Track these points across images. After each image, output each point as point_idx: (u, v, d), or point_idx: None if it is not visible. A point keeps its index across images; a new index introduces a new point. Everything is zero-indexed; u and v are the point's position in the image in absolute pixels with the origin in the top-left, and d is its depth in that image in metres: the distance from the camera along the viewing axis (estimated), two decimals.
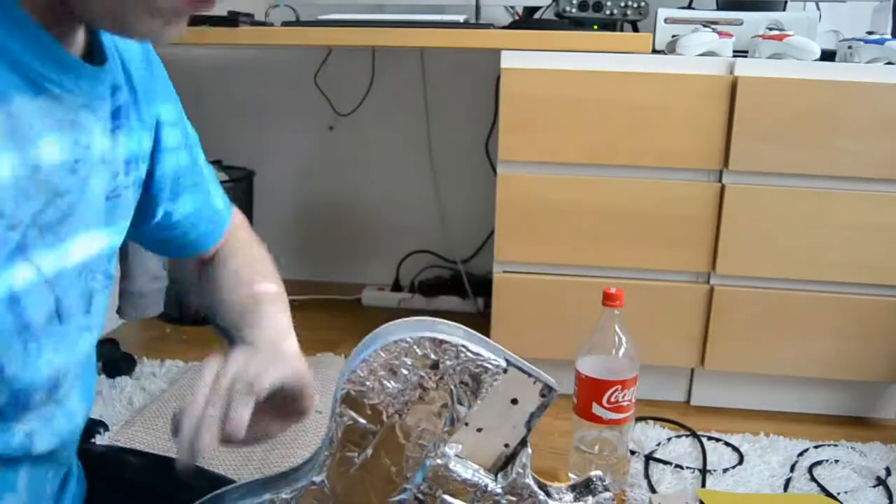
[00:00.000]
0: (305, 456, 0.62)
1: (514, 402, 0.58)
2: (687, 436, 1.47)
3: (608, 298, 1.23)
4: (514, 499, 0.60)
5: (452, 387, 0.57)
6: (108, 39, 0.58)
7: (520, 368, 0.57)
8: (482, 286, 2.05)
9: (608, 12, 1.54)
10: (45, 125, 0.49)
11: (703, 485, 1.31)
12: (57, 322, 0.53)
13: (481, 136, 2.05)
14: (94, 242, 0.57)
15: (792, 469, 1.36)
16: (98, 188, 0.57)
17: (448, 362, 0.56)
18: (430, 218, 2.19)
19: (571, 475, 1.29)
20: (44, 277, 0.51)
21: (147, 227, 0.71)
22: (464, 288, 2.11)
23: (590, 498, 0.62)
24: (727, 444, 1.44)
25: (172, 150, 0.69)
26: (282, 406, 0.60)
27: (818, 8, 1.74)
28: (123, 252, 1.45)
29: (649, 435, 1.46)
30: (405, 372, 0.56)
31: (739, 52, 1.49)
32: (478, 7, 1.70)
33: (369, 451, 0.57)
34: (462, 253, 2.15)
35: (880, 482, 1.32)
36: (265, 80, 2.15)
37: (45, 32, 0.47)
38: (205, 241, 0.77)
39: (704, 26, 1.50)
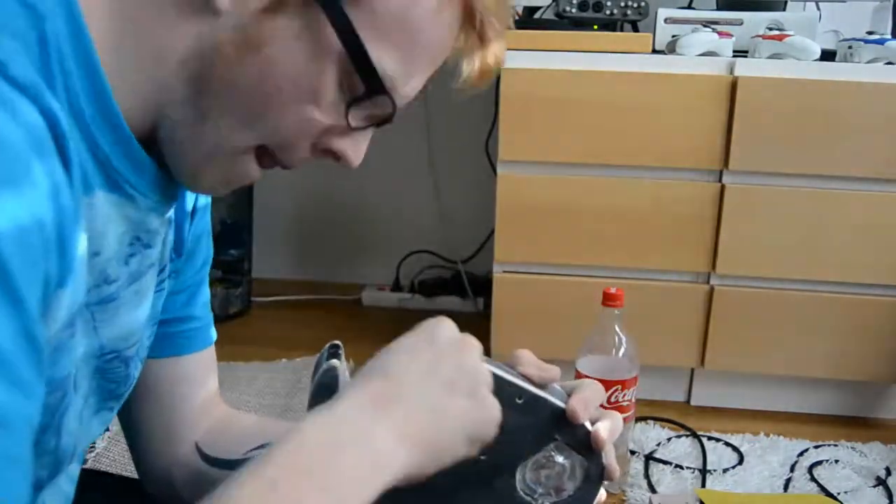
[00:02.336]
0: None
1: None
2: (687, 436, 1.47)
3: (608, 298, 1.23)
4: None
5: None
6: None
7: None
8: (482, 286, 2.05)
9: (608, 12, 1.54)
10: (113, 218, 0.51)
11: (703, 485, 1.31)
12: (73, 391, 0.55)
13: (481, 136, 2.05)
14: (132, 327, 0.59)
15: (792, 469, 1.36)
16: (151, 288, 0.59)
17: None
18: (430, 218, 2.19)
19: None
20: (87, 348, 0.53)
21: None
22: (464, 288, 2.11)
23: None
24: (727, 444, 1.44)
25: (206, 234, 0.71)
26: None
27: (818, 8, 1.74)
28: None
29: (649, 435, 1.46)
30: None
31: (739, 52, 1.49)
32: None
33: None
34: (462, 253, 2.15)
35: (880, 482, 1.32)
36: None
37: (133, 137, 0.50)
38: (191, 340, 0.72)
39: (704, 26, 1.50)
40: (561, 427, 0.58)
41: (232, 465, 0.67)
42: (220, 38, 0.49)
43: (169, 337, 0.69)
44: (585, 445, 0.59)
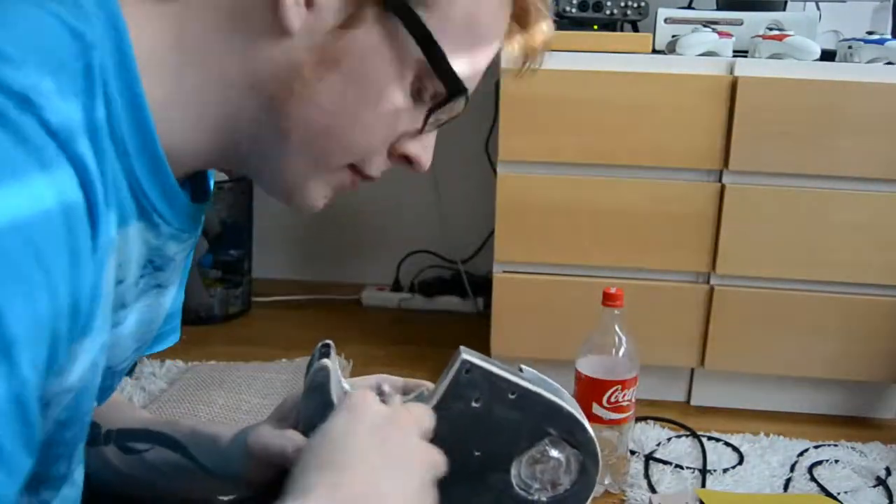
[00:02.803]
0: None
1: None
2: (687, 436, 1.47)
3: (608, 298, 1.23)
4: None
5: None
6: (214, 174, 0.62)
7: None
8: (482, 286, 2.05)
9: (608, 12, 1.54)
10: (137, 245, 0.51)
11: (703, 485, 1.31)
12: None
13: (481, 136, 2.05)
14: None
15: (792, 469, 1.36)
16: (158, 306, 0.59)
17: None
18: (430, 218, 2.19)
19: None
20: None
21: None
22: (464, 288, 2.11)
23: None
24: (727, 444, 1.44)
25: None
26: None
27: (818, 8, 1.74)
28: None
29: (649, 435, 1.46)
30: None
31: (739, 52, 1.49)
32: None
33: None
34: (462, 253, 2.15)
35: (880, 482, 1.32)
36: None
37: (169, 170, 0.50)
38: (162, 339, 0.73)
39: (704, 26, 1.50)
40: (555, 421, 0.58)
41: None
42: (295, 58, 0.48)
43: None
44: (580, 440, 0.59)
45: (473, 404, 0.57)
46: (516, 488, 0.59)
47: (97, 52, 0.43)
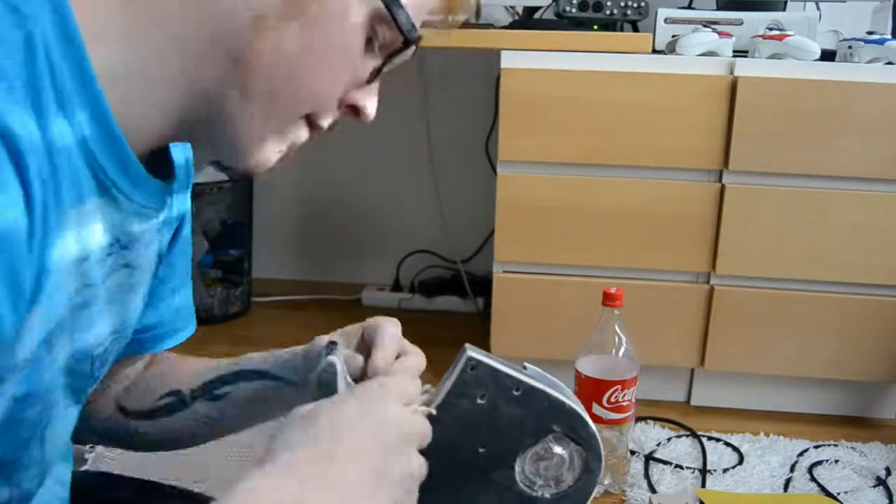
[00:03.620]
0: None
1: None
2: (687, 436, 1.47)
3: (608, 298, 1.23)
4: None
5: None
6: (179, 153, 0.60)
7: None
8: (482, 286, 2.05)
9: (608, 12, 1.54)
10: (98, 221, 0.50)
11: (703, 485, 1.31)
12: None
13: (481, 136, 2.05)
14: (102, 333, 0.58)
15: (792, 469, 1.36)
16: (124, 288, 0.58)
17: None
18: (430, 218, 2.19)
19: None
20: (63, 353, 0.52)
21: None
22: (464, 288, 2.11)
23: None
24: (727, 444, 1.44)
25: (186, 239, 0.71)
26: None
27: (818, 8, 1.74)
28: None
29: (649, 435, 1.46)
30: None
31: (739, 52, 1.49)
32: (478, 7, 1.70)
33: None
34: (462, 253, 2.15)
35: (880, 482, 1.32)
36: None
37: (124, 141, 0.49)
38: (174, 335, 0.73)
39: (704, 26, 1.50)
40: (558, 418, 0.58)
41: (140, 415, 0.69)
42: (259, 7, 0.48)
43: (137, 343, 0.69)
44: (583, 436, 0.59)
45: (478, 401, 0.57)
46: (520, 484, 0.59)
47: (37, 23, 0.42)
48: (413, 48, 0.54)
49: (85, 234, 0.49)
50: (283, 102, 0.52)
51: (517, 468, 0.59)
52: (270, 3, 0.48)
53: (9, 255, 0.40)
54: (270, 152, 0.54)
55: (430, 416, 0.55)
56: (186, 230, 0.70)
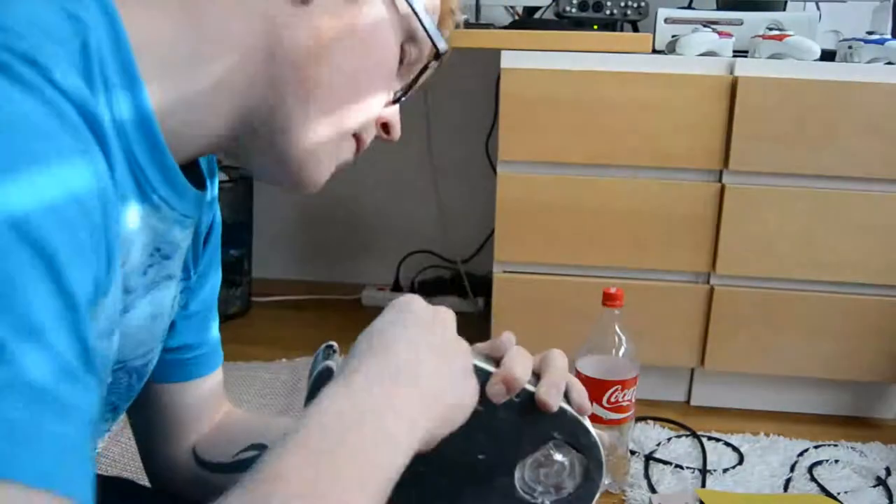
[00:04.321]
0: None
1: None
2: (687, 436, 1.47)
3: (608, 298, 1.23)
4: None
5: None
6: (205, 162, 0.62)
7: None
8: (482, 286, 2.05)
9: (608, 12, 1.54)
10: (140, 229, 0.51)
11: (703, 485, 1.31)
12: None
13: (481, 136, 2.05)
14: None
15: (792, 469, 1.36)
16: (166, 300, 0.59)
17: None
18: (430, 218, 2.19)
19: None
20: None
21: None
22: (464, 288, 2.11)
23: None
24: (727, 444, 1.44)
25: (218, 255, 0.71)
26: None
27: (818, 8, 1.74)
28: None
29: (649, 435, 1.46)
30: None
31: (739, 52, 1.49)
32: (478, 7, 1.70)
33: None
34: (462, 253, 2.15)
35: (880, 482, 1.32)
36: None
37: (167, 149, 0.50)
38: (199, 366, 0.71)
39: (704, 26, 1.50)
40: (559, 425, 0.58)
41: (223, 468, 0.68)
42: (315, 25, 0.50)
43: (180, 364, 0.69)
44: (584, 443, 0.59)
45: (477, 407, 0.57)
46: (520, 491, 0.59)
47: (92, 33, 0.44)
48: (442, 58, 0.58)
49: (125, 238, 0.49)
50: (340, 120, 0.54)
51: (517, 475, 0.58)
52: (324, 23, 0.51)
53: (104, 216, 0.40)
54: (324, 169, 0.57)
55: None
56: (216, 239, 0.70)
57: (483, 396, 0.56)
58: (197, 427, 0.71)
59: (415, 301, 0.56)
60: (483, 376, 0.56)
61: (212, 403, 0.73)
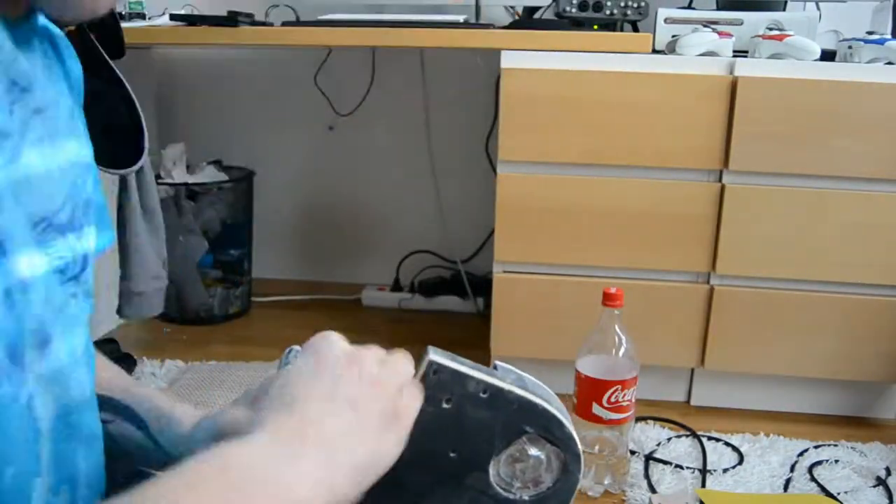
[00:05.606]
0: None
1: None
2: (687, 436, 1.47)
3: (608, 298, 1.23)
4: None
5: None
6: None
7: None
8: (482, 286, 2.05)
9: (608, 12, 1.54)
10: None
11: (703, 485, 1.31)
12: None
13: (481, 136, 2.05)
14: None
15: (792, 469, 1.36)
16: (49, 130, 0.53)
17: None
18: (430, 218, 2.19)
19: None
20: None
21: None
22: (464, 288, 2.11)
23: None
24: (727, 444, 1.44)
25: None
26: None
27: (818, 8, 1.74)
28: (123, 252, 1.45)
29: (649, 435, 1.46)
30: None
31: (739, 52, 1.49)
32: (478, 7, 1.70)
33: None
34: (462, 253, 2.15)
35: (880, 482, 1.32)
36: (265, 80, 2.15)
37: None
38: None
39: (704, 26, 1.50)
40: (530, 418, 0.58)
41: None
42: None
43: None
44: (559, 437, 0.58)
45: (444, 405, 0.56)
46: (496, 487, 0.58)
47: None
48: None
49: None
50: None
51: (492, 471, 0.58)
52: None
53: None
54: None
55: None
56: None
57: (451, 393, 0.56)
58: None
59: (330, 343, 0.53)
60: (472, 383, 0.56)
61: None
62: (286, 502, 0.43)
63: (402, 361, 0.54)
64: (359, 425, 0.49)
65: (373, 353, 0.53)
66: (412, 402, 0.52)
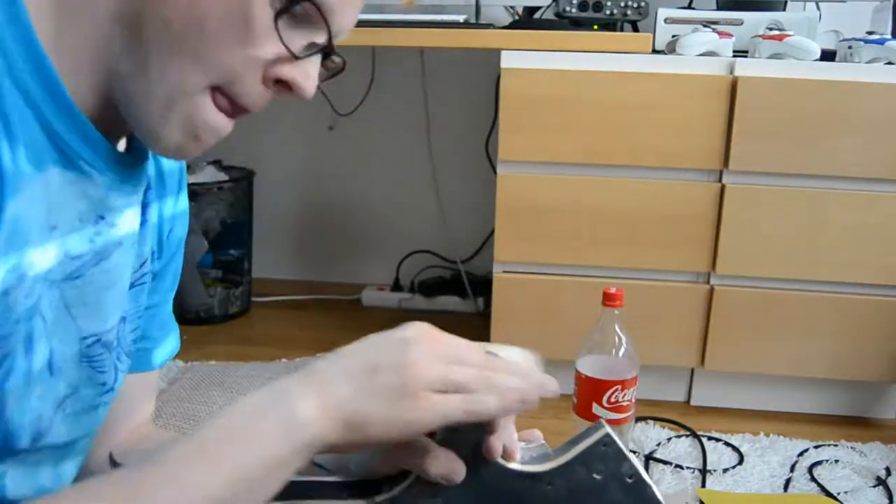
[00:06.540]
0: None
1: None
2: (687, 436, 1.47)
3: (608, 298, 1.23)
4: None
5: None
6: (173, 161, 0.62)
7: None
8: (482, 286, 2.05)
9: (608, 12, 1.54)
10: (71, 195, 0.51)
11: (703, 485, 1.31)
12: (48, 373, 0.53)
13: (481, 136, 2.05)
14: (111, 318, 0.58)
15: (792, 469, 1.36)
16: (122, 269, 0.58)
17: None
18: (430, 218, 2.19)
19: None
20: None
21: None
22: (464, 288, 2.11)
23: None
24: (727, 444, 1.44)
25: (179, 240, 0.70)
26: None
27: (818, 8, 1.74)
28: None
29: (649, 435, 1.46)
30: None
31: (739, 52, 1.49)
32: (478, 7, 1.70)
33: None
34: (462, 253, 2.15)
35: (880, 482, 1.32)
36: None
37: (77, 109, 0.50)
38: (135, 361, 0.69)
39: (704, 26, 1.50)
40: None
41: None
42: None
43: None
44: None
45: (595, 476, 0.59)
46: None
47: None
48: (320, 19, 0.52)
49: (53, 203, 0.49)
50: (178, 73, 0.49)
51: None
52: None
53: None
54: (175, 132, 0.52)
55: (536, 475, 0.58)
56: (181, 232, 0.70)
57: (605, 467, 0.58)
58: (120, 433, 0.70)
59: (410, 327, 0.56)
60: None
61: (136, 404, 0.72)
62: (286, 426, 0.50)
63: (504, 378, 0.55)
64: (365, 383, 0.52)
65: (476, 348, 0.56)
66: (442, 402, 0.52)
